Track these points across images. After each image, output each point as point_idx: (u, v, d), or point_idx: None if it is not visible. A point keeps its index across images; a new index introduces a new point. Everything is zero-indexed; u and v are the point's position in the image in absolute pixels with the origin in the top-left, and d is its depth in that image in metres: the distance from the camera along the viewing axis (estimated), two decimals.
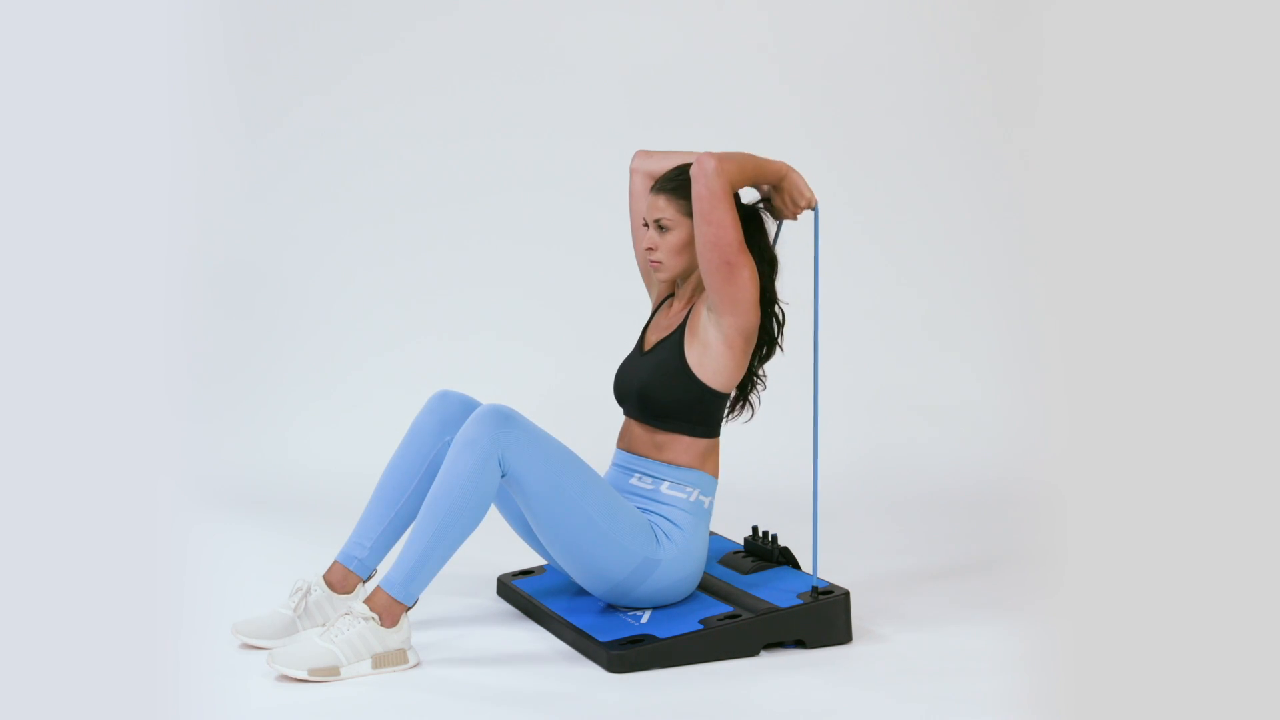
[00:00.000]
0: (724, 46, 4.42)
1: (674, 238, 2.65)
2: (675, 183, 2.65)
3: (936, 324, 4.34)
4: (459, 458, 2.44)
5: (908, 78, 4.42)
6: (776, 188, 2.65)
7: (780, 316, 2.70)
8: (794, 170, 2.64)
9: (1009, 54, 4.26)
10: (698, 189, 2.53)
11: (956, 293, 4.36)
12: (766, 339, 2.68)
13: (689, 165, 2.63)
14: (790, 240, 2.74)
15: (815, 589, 2.60)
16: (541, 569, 2.94)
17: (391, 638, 2.42)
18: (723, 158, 2.52)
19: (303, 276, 4.36)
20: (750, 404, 2.76)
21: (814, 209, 2.66)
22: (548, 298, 4.35)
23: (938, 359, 4.29)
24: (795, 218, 2.68)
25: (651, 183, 2.75)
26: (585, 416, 3.49)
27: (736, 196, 2.62)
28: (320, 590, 2.60)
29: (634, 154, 2.85)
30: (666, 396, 2.62)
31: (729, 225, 2.52)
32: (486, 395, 2.84)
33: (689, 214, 2.62)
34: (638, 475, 2.66)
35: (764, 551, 2.86)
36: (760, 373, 2.74)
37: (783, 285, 2.70)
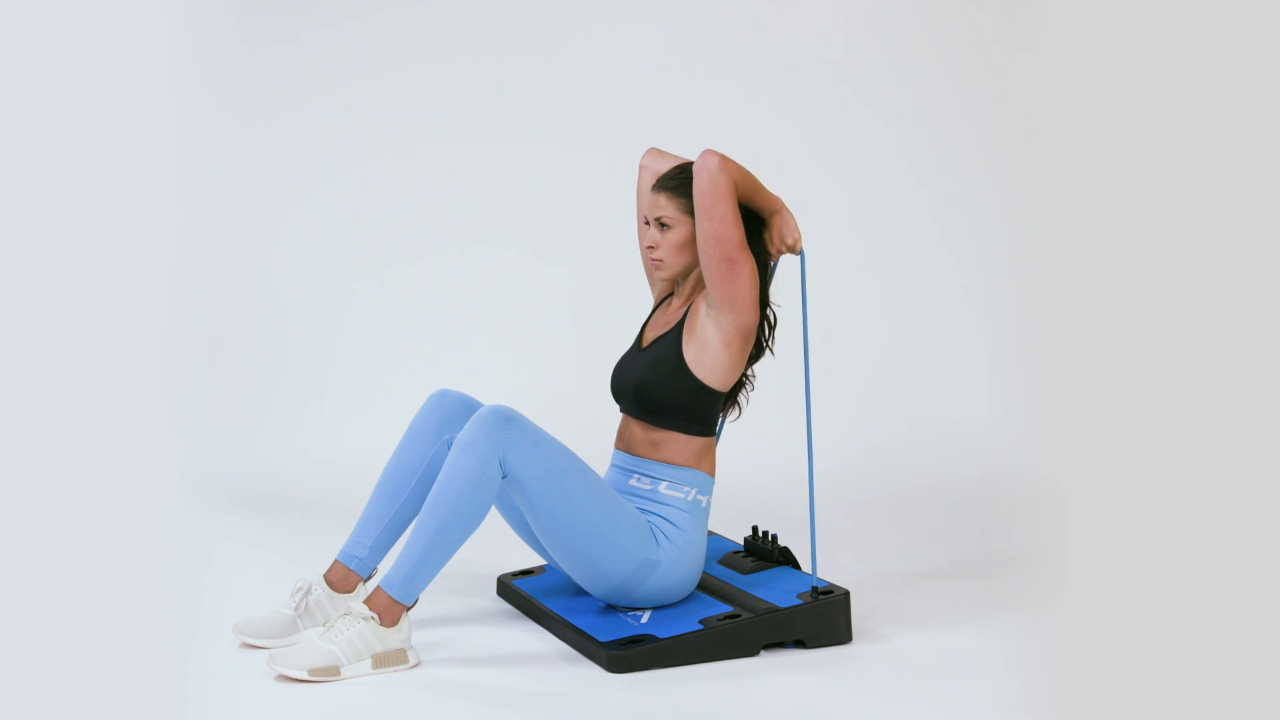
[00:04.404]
0: (722, 50, 4.42)
1: (675, 236, 2.65)
2: (677, 181, 2.65)
3: (936, 322, 4.34)
4: (460, 458, 2.44)
5: (909, 75, 4.42)
6: (767, 220, 2.64)
7: (772, 319, 2.70)
8: (788, 209, 2.64)
9: (1009, 53, 4.27)
10: (700, 184, 2.53)
11: (957, 291, 4.36)
12: (756, 341, 2.68)
13: (691, 164, 2.63)
14: (783, 268, 2.74)
15: (815, 589, 2.60)
16: (541, 569, 2.94)
17: (391, 637, 2.42)
18: (727, 158, 2.53)
19: (303, 276, 4.36)
20: (738, 404, 2.76)
21: (799, 254, 2.64)
22: (549, 297, 4.35)
23: (938, 358, 4.29)
24: (775, 257, 2.66)
25: (652, 185, 2.75)
26: (585, 417, 3.49)
27: None
28: (321, 589, 2.60)
29: (646, 150, 2.85)
30: (662, 393, 2.62)
31: (730, 221, 2.53)
32: (487, 395, 2.84)
33: (690, 212, 2.62)
34: (636, 476, 2.66)
35: (764, 551, 2.86)
36: (749, 373, 2.74)
37: (777, 287, 2.70)
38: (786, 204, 2.64)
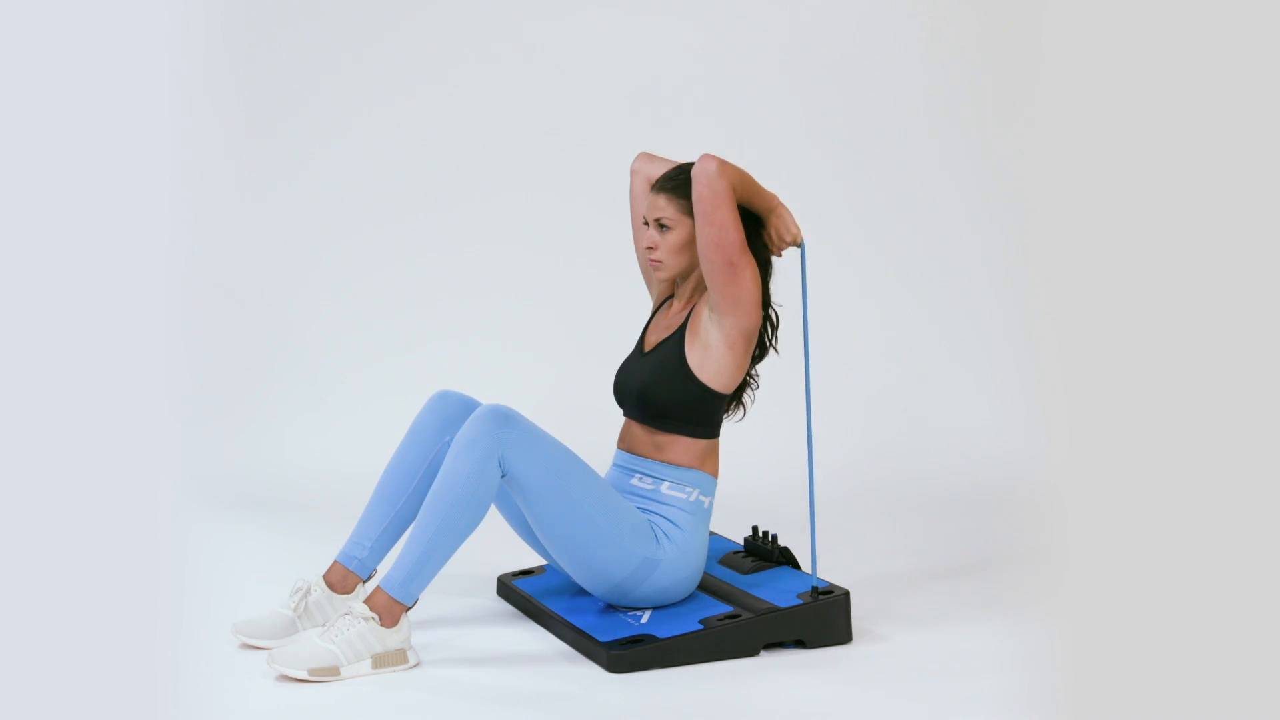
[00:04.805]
0: (723, 49, 4.42)
1: (674, 237, 2.65)
2: (676, 182, 2.65)
3: (936, 324, 4.34)
4: (459, 458, 2.44)
5: (908, 81, 4.41)
6: (764, 219, 2.64)
7: (774, 319, 2.70)
8: (784, 205, 2.63)
9: (1009, 55, 4.27)
10: (699, 189, 2.53)
11: (956, 292, 4.36)
12: (759, 341, 2.68)
13: (690, 165, 2.63)
14: (782, 266, 2.74)
15: (815, 589, 2.60)
16: (541, 569, 2.94)
17: (391, 638, 2.42)
18: (725, 161, 2.53)
19: (302, 277, 4.36)
20: (743, 404, 2.76)
21: (800, 246, 2.64)
22: (548, 299, 4.35)
23: (937, 358, 4.29)
24: (779, 254, 2.67)
25: (651, 185, 2.75)
26: (585, 417, 3.49)
27: None
28: (320, 590, 2.60)
29: (636, 155, 2.86)
30: (666, 397, 2.62)
31: (731, 225, 2.52)
32: (486, 396, 2.84)
33: (689, 213, 2.62)
34: (638, 475, 2.66)
35: (764, 551, 2.86)
36: (753, 373, 2.74)
37: (777, 287, 2.70)
38: (781, 200, 2.64)
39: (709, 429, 2.65)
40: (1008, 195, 4.27)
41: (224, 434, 4.05)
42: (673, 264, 2.67)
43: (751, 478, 3.76)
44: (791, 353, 2.79)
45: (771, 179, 2.78)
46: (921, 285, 4.38)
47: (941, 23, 4.42)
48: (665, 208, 2.65)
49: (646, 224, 2.69)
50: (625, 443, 2.73)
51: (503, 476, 2.46)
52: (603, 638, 2.50)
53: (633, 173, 2.85)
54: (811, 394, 2.69)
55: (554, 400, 3.96)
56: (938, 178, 4.40)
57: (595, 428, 3.31)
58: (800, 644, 2.56)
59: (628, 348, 2.84)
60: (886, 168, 4.41)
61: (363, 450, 3.64)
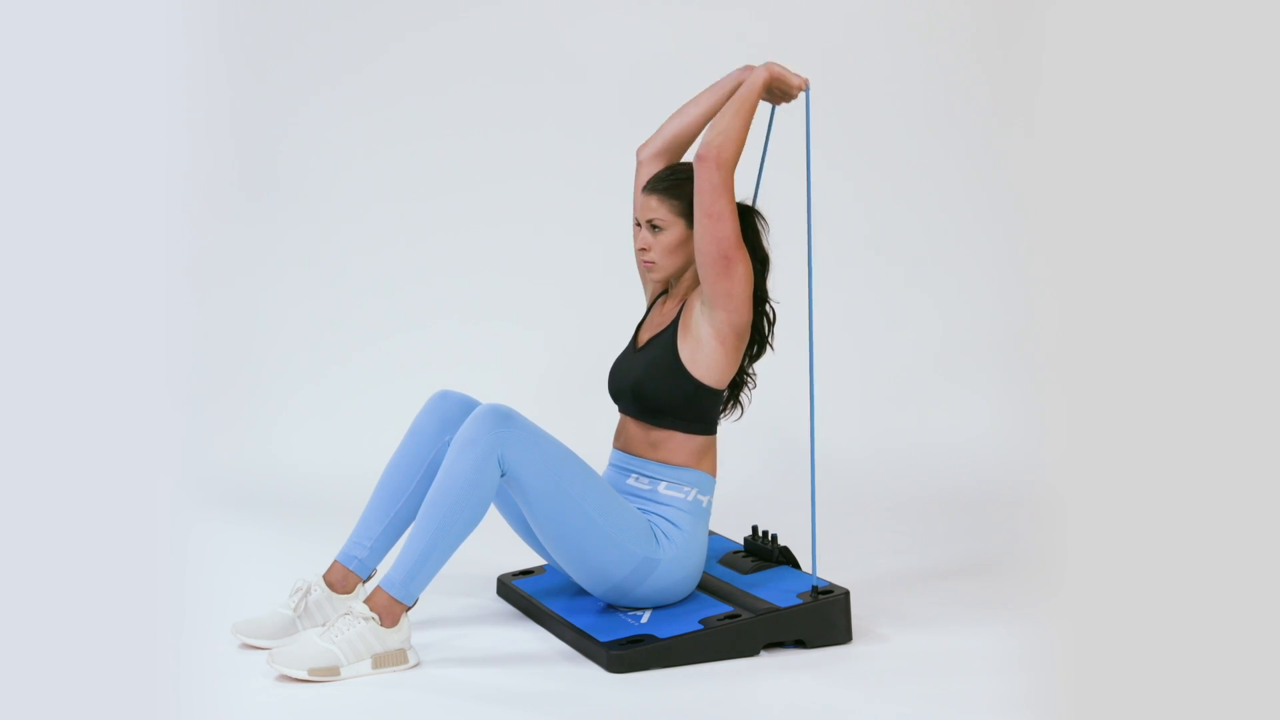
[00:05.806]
0: (723, 42, 4.42)
1: (667, 238, 2.65)
2: (668, 183, 2.65)
3: (937, 324, 4.34)
4: (459, 457, 2.44)
5: (908, 76, 4.42)
6: (769, 92, 2.66)
7: (771, 315, 2.70)
8: (771, 66, 2.63)
9: (1010, 52, 4.26)
10: (699, 183, 2.52)
11: (957, 293, 4.36)
12: (757, 337, 2.69)
13: (683, 165, 2.63)
14: (781, 265, 2.74)
15: (815, 589, 2.60)
16: (541, 569, 2.94)
17: (391, 638, 2.42)
18: (721, 144, 2.51)
19: (302, 275, 4.36)
20: (740, 403, 2.76)
21: (805, 90, 2.66)
22: (546, 296, 4.35)
23: (938, 359, 4.29)
24: (794, 98, 2.69)
25: (660, 163, 2.74)
26: (583, 415, 3.49)
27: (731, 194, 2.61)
28: (320, 590, 2.60)
29: (636, 150, 2.84)
30: (660, 392, 2.62)
31: (728, 218, 2.52)
32: (485, 394, 2.84)
33: (682, 214, 2.62)
34: (635, 475, 2.66)
35: (764, 551, 2.86)
36: (750, 371, 2.74)
37: (779, 285, 2.70)
38: (762, 65, 2.64)
39: (705, 425, 2.65)
40: (1011, 191, 4.28)
41: (224, 433, 4.05)
42: (666, 265, 2.67)
43: (752, 477, 3.76)
44: (794, 351, 2.78)
45: (772, 178, 2.78)
46: (925, 287, 4.38)
47: (941, 12, 4.42)
48: (658, 209, 2.65)
49: (639, 225, 2.69)
50: (621, 441, 2.73)
51: (502, 476, 2.46)
52: (603, 638, 2.50)
53: (639, 164, 2.83)
54: (814, 388, 2.67)
55: (553, 399, 3.96)
56: (941, 174, 4.40)
57: (593, 427, 3.30)
58: (800, 644, 2.56)
59: (625, 343, 2.83)
60: (889, 169, 4.41)
61: (362, 450, 3.65)
